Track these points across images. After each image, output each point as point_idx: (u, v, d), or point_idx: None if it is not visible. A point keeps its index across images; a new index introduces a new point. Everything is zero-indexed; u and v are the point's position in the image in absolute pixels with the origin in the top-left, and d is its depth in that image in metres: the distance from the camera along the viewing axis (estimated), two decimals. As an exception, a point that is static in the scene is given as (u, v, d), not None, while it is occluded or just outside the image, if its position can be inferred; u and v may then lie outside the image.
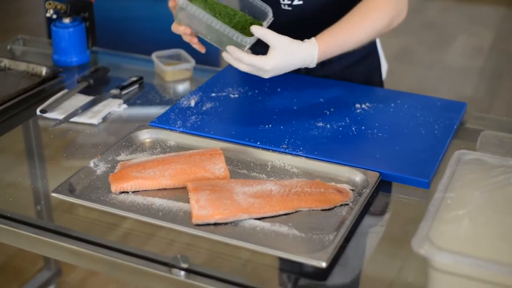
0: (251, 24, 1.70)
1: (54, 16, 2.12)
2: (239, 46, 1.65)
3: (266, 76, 1.68)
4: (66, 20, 2.16)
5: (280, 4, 1.89)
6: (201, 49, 1.78)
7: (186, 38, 1.76)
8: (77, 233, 1.42)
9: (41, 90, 2.01)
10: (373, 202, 1.52)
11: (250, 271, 1.35)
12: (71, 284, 2.78)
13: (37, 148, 1.79)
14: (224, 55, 1.69)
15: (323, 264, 1.29)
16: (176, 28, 1.74)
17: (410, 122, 1.77)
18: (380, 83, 2.12)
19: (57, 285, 2.76)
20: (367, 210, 1.49)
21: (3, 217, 1.47)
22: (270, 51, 1.65)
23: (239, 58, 1.65)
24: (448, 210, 1.18)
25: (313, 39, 1.70)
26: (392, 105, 1.85)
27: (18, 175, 1.63)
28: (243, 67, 1.67)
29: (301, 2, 1.87)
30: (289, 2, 1.88)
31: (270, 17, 1.71)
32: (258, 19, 1.73)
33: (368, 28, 1.75)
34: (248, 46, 1.66)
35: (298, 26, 1.84)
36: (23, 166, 1.69)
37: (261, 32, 1.65)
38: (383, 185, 1.57)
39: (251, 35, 1.66)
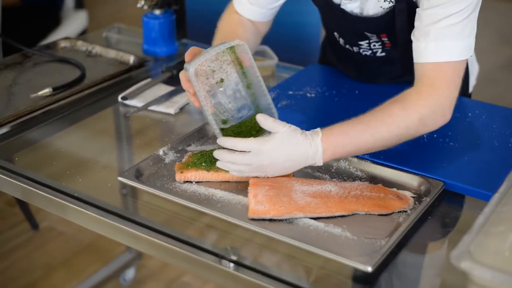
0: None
1: (145, 7, 2.20)
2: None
3: (269, 172, 1.49)
4: (157, 12, 2.23)
5: (360, 53, 1.87)
6: (195, 104, 1.58)
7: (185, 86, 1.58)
8: (139, 218, 1.47)
9: (127, 77, 2.09)
10: (434, 211, 1.50)
11: (298, 270, 1.37)
12: (150, 269, 2.87)
13: (114, 133, 1.85)
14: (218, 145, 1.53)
15: (369, 269, 1.29)
16: (182, 78, 1.57)
17: (484, 133, 1.74)
18: (464, 92, 2.06)
19: (137, 268, 2.85)
20: (426, 218, 1.47)
21: (71, 196, 1.54)
22: (270, 135, 1.48)
23: (231, 146, 1.47)
24: (496, 225, 1.16)
25: (318, 129, 1.51)
26: (470, 114, 1.82)
27: (91, 158, 1.70)
28: (237, 161, 1.47)
29: (383, 54, 1.85)
30: (372, 55, 1.86)
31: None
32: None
33: (391, 125, 1.52)
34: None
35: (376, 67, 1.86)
36: (97, 149, 1.75)
37: (269, 124, 1.49)
38: (449, 195, 1.55)
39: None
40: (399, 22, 1.68)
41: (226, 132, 1.58)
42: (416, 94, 1.54)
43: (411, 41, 1.69)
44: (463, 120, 1.79)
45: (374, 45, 1.82)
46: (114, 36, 2.45)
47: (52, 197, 1.56)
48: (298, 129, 1.48)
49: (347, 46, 1.88)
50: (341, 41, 1.89)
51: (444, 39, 1.52)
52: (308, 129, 1.51)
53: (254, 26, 1.86)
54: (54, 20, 3.92)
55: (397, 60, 1.84)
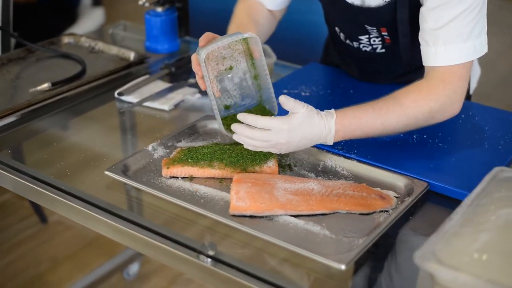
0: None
1: (147, 4, 2.22)
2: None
3: (283, 149, 1.53)
4: (159, 9, 2.25)
5: (360, 49, 1.88)
6: (202, 86, 1.62)
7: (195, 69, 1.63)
8: (122, 212, 1.49)
9: (127, 74, 2.11)
10: (417, 211, 1.50)
11: (274, 266, 1.37)
12: (154, 264, 2.89)
13: (107, 128, 1.87)
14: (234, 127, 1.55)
15: (342, 267, 1.29)
16: (194, 61, 1.61)
17: (475, 135, 1.73)
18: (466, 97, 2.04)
19: (141, 263, 2.87)
20: (407, 219, 1.47)
21: (58, 189, 1.56)
22: (290, 115, 1.52)
23: (252, 123, 1.51)
24: (464, 226, 1.15)
25: (332, 110, 1.57)
26: (463, 116, 1.80)
27: (81, 152, 1.72)
28: (257, 136, 1.51)
29: (383, 51, 1.86)
30: (372, 51, 1.87)
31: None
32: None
33: (400, 112, 1.57)
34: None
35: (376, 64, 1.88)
36: (88, 143, 1.77)
37: (290, 104, 1.52)
38: (434, 196, 1.54)
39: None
40: (400, 14, 1.68)
41: (227, 119, 1.63)
42: (428, 87, 1.58)
43: (411, 37, 1.70)
44: (455, 121, 1.78)
45: (374, 41, 1.82)
46: (120, 33, 2.48)
47: (40, 189, 1.58)
48: (314, 109, 1.54)
49: (348, 41, 1.88)
50: (342, 36, 1.89)
51: (454, 43, 1.55)
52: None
53: (272, 13, 1.89)
54: (71, 17, 3.96)
55: (398, 58, 1.84)
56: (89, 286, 2.81)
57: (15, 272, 2.89)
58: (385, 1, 1.69)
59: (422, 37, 1.61)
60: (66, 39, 2.32)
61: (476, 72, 2.08)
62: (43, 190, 1.57)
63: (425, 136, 1.71)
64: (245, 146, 1.54)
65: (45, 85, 1.97)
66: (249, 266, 1.33)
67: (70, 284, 2.82)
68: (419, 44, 1.63)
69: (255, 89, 1.67)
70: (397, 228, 1.45)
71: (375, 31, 1.78)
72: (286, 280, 1.32)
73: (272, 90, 1.64)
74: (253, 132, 1.51)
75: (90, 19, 4.04)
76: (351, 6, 1.74)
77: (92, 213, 1.49)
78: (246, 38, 1.59)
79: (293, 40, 2.56)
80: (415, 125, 1.60)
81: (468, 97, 2.05)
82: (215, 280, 1.36)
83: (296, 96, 1.87)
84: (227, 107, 1.66)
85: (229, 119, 1.64)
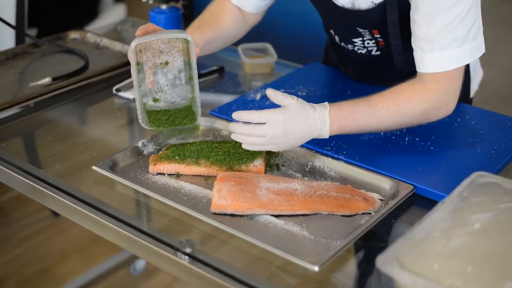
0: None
1: (151, 2, 2.23)
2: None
3: (281, 144, 1.53)
4: (164, 7, 2.25)
5: (356, 51, 1.87)
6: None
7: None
8: (105, 207, 1.50)
9: (127, 70, 2.11)
10: (400, 215, 1.48)
11: (250, 266, 1.37)
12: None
13: (102, 123, 1.88)
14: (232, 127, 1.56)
15: (316, 269, 1.29)
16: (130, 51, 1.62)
17: (469, 139, 1.70)
18: (465, 98, 2.02)
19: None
20: (390, 222, 1.46)
21: (47, 183, 1.58)
22: (281, 108, 1.52)
23: (247, 119, 1.51)
24: (434, 231, 1.14)
25: (326, 103, 1.57)
26: (459, 119, 1.79)
27: (73, 146, 1.73)
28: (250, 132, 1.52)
29: (378, 53, 1.84)
30: (367, 54, 1.85)
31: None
32: None
33: (394, 111, 1.57)
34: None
35: (373, 66, 1.87)
36: (82, 138, 1.79)
37: (278, 98, 1.52)
38: (420, 200, 1.53)
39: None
40: (390, 16, 1.67)
41: (152, 113, 1.67)
42: (423, 89, 1.58)
43: (402, 39, 1.68)
44: (450, 124, 1.76)
45: (368, 43, 1.81)
46: (128, 29, 2.49)
47: (31, 182, 1.60)
48: (305, 102, 1.53)
49: (342, 44, 1.87)
50: (337, 38, 1.88)
51: (449, 49, 1.54)
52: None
53: (243, 16, 1.89)
54: (92, 13, 4.00)
55: (392, 60, 1.82)
56: (95, 279, 2.84)
57: (24, 264, 2.92)
58: (375, 4, 1.67)
59: (416, 43, 1.59)
60: (72, 35, 2.34)
61: (478, 74, 2.05)
62: (34, 184, 1.59)
63: (417, 139, 1.69)
64: (244, 147, 1.54)
65: (46, 80, 1.99)
66: (225, 265, 1.33)
67: (77, 277, 2.84)
68: (412, 47, 1.62)
69: (188, 90, 1.69)
70: (379, 230, 1.43)
71: (367, 33, 1.76)
72: (261, 280, 1.31)
73: (198, 96, 1.65)
74: (250, 128, 1.51)
75: (111, 15, 4.07)
76: (342, 9, 1.73)
77: (77, 207, 1.51)
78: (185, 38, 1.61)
79: (297, 40, 2.55)
80: (410, 123, 1.61)
81: (469, 101, 2.02)
82: (191, 278, 1.36)
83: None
84: (155, 100, 1.68)
85: (155, 113, 1.67)
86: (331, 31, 1.89)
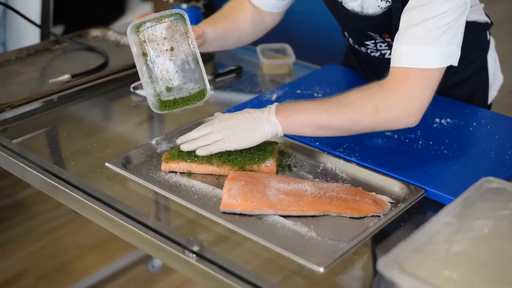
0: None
1: (171, 1, 2.24)
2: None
3: (230, 137, 1.56)
4: (184, 6, 2.27)
5: (369, 54, 1.87)
6: None
7: None
8: (116, 203, 1.51)
9: (146, 68, 2.13)
10: (410, 218, 1.48)
11: (257, 265, 1.37)
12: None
13: (119, 121, 1.90)
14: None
15: (321, 270, 1.29)
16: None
17: (483, 144, 1.69)
18: (483, 103, 2.00)
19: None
20: (399, 225, 1.45)
21: (61, 179, 1.60)
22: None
23: (193, 136, 1.59)
24: (437, 235, 1.13)
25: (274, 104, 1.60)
26: (474, 124, 1.77)
27: (88, 143, 1.75)
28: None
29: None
30: (380, 57, 1.85)
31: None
32: None
33: (344, 109, 1.54)
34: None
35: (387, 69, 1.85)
36: (98, 135, 1.81)
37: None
38: (431, 204, 1.52)
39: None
40: (396, 22, 1.66)
41: (167, 103, 1.67)
42: (378, 86, 1.53)
43: None
44: (465, 128, 1.75)
45: (381, 46, 1.80)
46: (149, 27, 2.50)
47: (44, 177, 1.62)
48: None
49: (356, 46, 1.87)
50: (351, 41, 1.88)
51: (418, 45, 1.49)
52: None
53: (260, 15, 1.89)
54: (119, 11, 4.02)
55: None
56: (113, 275, 2.86)
57: (43, 258, 2.96)
58: (382, 8, 1.67)
59: (394, 37, 1.56)
60: (93, 32, 2.37)
61: (498, 80, 2.03)
62: (48, 180, 1.61)
63: (431, 143, 1.69)
64: (199, 153, 1.57)
65: (65, 77, 2.01)
66: (232, 264, 1.34)
67: (95, 272, 2.87)
68: None
69: (199, 73, 1.67)
70: (387, 233, 1.43)
71: (378, 36, 1.76)
72: (266, 280, 1.31)
73: (204, 71, 1.65)
74: (197, 142, 1.57)
75: (138, 14, 4.09)
76: (352, 13, 1.73)
77: (87, 202, 1.53)
78: (185, 18, 1.61)
79: (317, 41, 2.55)
80: (363, 123, 1.54)
81: (487, 106, 2.00)
82: (198, 276, 1.37)
83: (309, 97, 1.89)
84: (168, 89, 1.68)
85: (171, 103, 1.67)
86: (346, 33, 1.89)
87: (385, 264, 1.06)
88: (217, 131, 1.56)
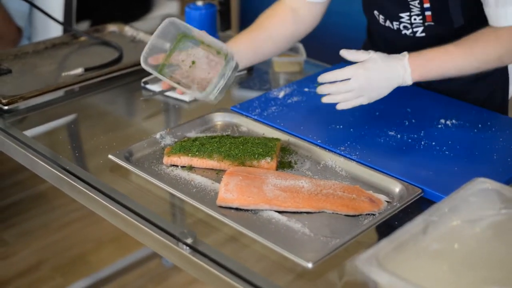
0: None
1: (189, -3, 2.27)
2: None
3: (369, 93, 1.67)
4: (200, 3, 2.29)
5: (400, 32, 1.89)
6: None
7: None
8: (115, 194, 1.54)
9: (159, 64, 2.16)
10: (405, 217, 1.47)
11: (248, 259, 1.38)
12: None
13: (127, 115, 1.93)
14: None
15: (309, 265, 1.30)
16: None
17: (487, 146, 1.68)
18: (502, 102, 1.99)
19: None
20: (393, 224, 1.45)
21: (66, 170, 1.63)
22: (361, 62, 1.67)
23: (333, 78, 1.67)
24: (421, 234, 1.14)
25: (405, 52, 1.69)
26: (480, 125, 1.77)
27: (94, 136, 1.78)
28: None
29: (423, 35, 1.84)
30: (411, 35, 1.86)
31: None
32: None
33: (470, 57, 1.68)
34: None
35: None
36: (104, 128, 1.84)
37: (352, 56, 1.69)
38: (428, 204, 1.51)
39: None
40: None
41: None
42: (495, 37, 1.68)
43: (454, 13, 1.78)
44: (469, 130, 1.74)
45: (415, 19, 1.82)
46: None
47: (50, 168, 1.65)
48: (384, 54, 1.67)
49: (387, 24, 1.88)
50: (381, 18, 1.89)
51: None
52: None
53: (299, 15, 1.91)
54: (145, 7, 4.06)
55: (437, 45, 1.81)
56: (127, 268, 2.90)
57: (60, 250, 3.00)
58: None
59: (488, 3, 1.67)
60: (110, 28, 2.40)
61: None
62: (53, 170, 1.64)
63: (433, 143, 1.69)
64: (338, 107, 1.69)
65: (78, 70, 2.05)
66: (224, 257, 1.35)
67: (110, 265, 2.91)
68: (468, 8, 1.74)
69: (224, 60, 1.73)
70: (381, 232, 1.43)
71: (417, 3, 1.78)
72: (256, 274, 1.32)
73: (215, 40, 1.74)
74: (337, 86, 1.66)
75: (164, 11, 4.13)
76: None
77: (88, 192, 1.56)
78: (183, 31, 1.74)
79: (330, 40, 2.55)
80: (485, 68, 1.72)
81: (507, 100, 1.99)
82: (192, 268, 1.39)
83: (315, 95, 1.88)
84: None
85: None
86: (375, 12, 1.90)
87: (364, 261, 1.07)
88: (355, 81, 1.64)
